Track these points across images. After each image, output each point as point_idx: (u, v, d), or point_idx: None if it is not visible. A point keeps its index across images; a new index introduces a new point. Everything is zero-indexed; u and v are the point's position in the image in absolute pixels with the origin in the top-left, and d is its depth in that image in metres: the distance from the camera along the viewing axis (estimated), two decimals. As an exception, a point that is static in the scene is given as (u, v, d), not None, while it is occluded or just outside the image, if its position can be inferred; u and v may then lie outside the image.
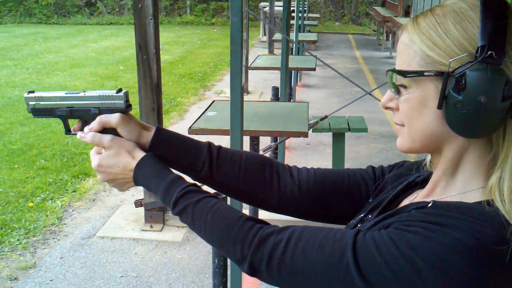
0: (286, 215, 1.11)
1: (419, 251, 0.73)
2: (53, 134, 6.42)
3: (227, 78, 9.36)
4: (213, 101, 4.14)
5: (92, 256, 3.75)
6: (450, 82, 0.77)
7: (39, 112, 1.09)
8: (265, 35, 14.44)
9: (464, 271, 0.71)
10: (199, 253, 3.78)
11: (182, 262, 3.68)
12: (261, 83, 9.50)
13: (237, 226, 0.89)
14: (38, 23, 19.33)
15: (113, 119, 1.02)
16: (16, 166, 5.43)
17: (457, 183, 0.85)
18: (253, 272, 0.87)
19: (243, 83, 2.31)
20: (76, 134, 1.08)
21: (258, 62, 6.35)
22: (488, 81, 0.74)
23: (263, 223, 0.90)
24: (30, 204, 4.54)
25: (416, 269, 0.73)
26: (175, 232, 4.07)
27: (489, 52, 0.74)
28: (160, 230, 4.10)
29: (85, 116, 1.07)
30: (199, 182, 1.06)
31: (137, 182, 1.01)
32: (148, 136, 1.03)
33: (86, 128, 1.04)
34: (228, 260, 2.50)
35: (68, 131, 1.10)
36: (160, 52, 3.99)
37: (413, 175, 1.00)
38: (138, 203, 4.10)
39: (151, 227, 4.13)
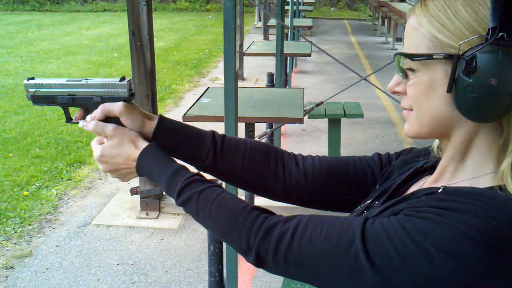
0: (291, 203, 1.09)
1: (430, 237, 0.71)
2: (47, 123, 6.38)
3: (222, 64, 9.31)
4: (208, 87, 4.11)
5: (88, 244, 3.74)
6: (460, 65, 0.75)
7: (39, 99, 1.06)
8: (260, 21, 14.36)
9: (476, 257, 0.69)
10: (195, 240, 3.77)
11: (178, 249, 3.68)
12: (257, 70, 9.45)
13: (243, 216, 0.87)
14: (31, 11, 19.16)
15: (116, 107, 1.00)
16: (11, 155, 5.40)
17: (466, 169, 0.83)
18: (259, 263, 0.85)
19: (237, 69, 2.28)
20: (77, 123, 1.06)
21: (253, 48, 6.31)
22: (499, 63, 0.72)
23: (269, 212, 0.89)
24: (25, 193, 4.52)
25: (427, 255, 0.71)
26: (171, 219, 4.06)
27: (500, 34, 0.72)
28: (156, 218, 4.09)
29: (87, 104, 1.04)
30: (203, 172, 1.04)
31: (140, 173, 0.99)
32: (151, 126, 1.02)
33: (88, 117, 1.02)
34: (224, 247, 2.50)
35: (69, 119, 1.08)
36: (155, 39, 3.95)
37: (421, 161, 0.98)
38: (133, 191, 4.09)
39: (147, 214, 4.12)
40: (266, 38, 11.30)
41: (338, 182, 1.06)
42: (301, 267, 0.81)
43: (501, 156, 0.78)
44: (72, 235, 3.86)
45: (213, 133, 1.06)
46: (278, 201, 1.09)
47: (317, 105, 4.16)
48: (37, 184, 4.72)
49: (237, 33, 2.27)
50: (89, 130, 1.01)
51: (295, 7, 9.19)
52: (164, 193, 4.11)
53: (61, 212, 4.24)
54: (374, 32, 15.09)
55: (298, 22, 9.53)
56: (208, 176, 1.01)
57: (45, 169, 5.05)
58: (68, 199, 4.49)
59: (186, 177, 0.93)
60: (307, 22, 10.29)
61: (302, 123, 3.46)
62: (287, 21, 7.88)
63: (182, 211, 4.43)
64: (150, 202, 4.13)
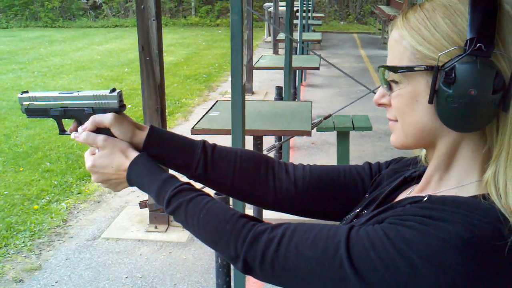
0: (282, 212, 1.10)
1: (414, 245, 0.72)
2: (58, 137, 6.43)
3: (231, 78, 9.33)
4: (216, 101, 4.13)
5: (97, 257, 3.75)
6: (440, 76, 0.76)
7: (33, 112, 1.08)
8: (269, 35, 14.44)
9: (459, 265, 0.70)
10: (203, 253, 3.77)
11: (187, 262, 3.68)
12: (266, 83, 9.48)
13: (230, 224, 0.88)
14: (43, 27, 19.41)
15: (106, 119, 1.01)
16: (22, 169, 5.45)
17: (451, 178, 0.84)
18: (247, 270, 0.86)
19: (244, 82, 2.30)
20: (70, 134, 1.08)
21: (262, 62, 6.34)
22: (477, 73, 0.73)
23: (257, 220, 0.90)
24: (35, 207, 4.55)
25: (410, 264, 0.72)
26: (180, 232, 4.06)
27: (478, 45, 0.73)
28: (165, 231, 4.09)
29: (79, 116, 1.06)
30: (194, 181, 1.05)
31: (130, 182, 1.00)
32: (142, 136, 1.03)
33: (79, 128, 1.04)
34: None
35: (62, 131, 1.10)
36: (165, 54, 3.99)
37: (409, 170, 0.99)
38: (143, 204, 4.09)
39: (156, 228, 4.13)
40: (275, 52, 11.35)
41: (328, 191, 1.07)
42: (288, 274, 0.82)
43: (485, 165, 0.79)
44: (81, 249, 3.87)
45: (204, 142, 1.07)
46: (270, 209, 1.10)
47: (326, 118, 4.16)
48: (47, 198, 4.75)
49: (244, 47, 2.28)
50: (80, 141, 1.03)
51: (304, 21, 9.23)
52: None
53: (70, 225, 4.26)
54: (384, 45, 15.09)
55: (307, 36, 9.58)
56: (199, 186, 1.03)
57: (55, 183, 5.08)
58: (77, 212, 4.51)
59: (175, 186, 0.95)
60: (316, 36, 10.34)
61: (310, 135, 3.46)
62: (296, 35, 7.92)
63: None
64: (159, 216, 4.14)
